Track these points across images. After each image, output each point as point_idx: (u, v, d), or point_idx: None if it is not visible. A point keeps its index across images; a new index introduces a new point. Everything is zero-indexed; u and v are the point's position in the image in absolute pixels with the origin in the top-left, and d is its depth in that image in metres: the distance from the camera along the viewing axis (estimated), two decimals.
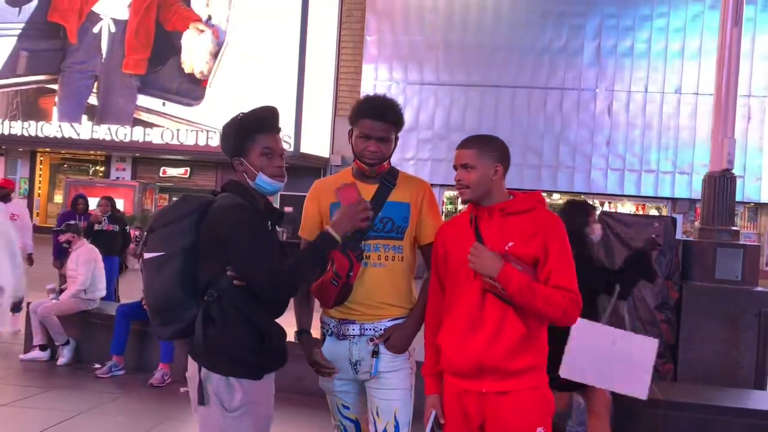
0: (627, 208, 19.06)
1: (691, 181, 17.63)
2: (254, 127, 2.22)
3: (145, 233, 2.22)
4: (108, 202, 8.33)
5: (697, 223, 6.67)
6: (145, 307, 5.42)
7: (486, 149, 2.25)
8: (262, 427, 2.22)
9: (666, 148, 18.04)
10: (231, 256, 2.10)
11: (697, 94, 17.51)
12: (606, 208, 18.82)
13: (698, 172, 16.87)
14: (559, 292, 2.13)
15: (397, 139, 2.51)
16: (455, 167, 2.29)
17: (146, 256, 2.15)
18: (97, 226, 7.92)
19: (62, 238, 6.37)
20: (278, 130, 2.29)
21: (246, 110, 2.26)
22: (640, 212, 18.71)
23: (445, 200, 19.69)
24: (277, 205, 2.44)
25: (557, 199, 19.78)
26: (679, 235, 13.93)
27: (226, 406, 2.11)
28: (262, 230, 2.15)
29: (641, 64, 18.07)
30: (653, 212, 18.75)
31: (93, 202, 9.21)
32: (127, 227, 8.44)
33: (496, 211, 2.24)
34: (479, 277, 2.18)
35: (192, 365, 2.20)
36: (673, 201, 18.54)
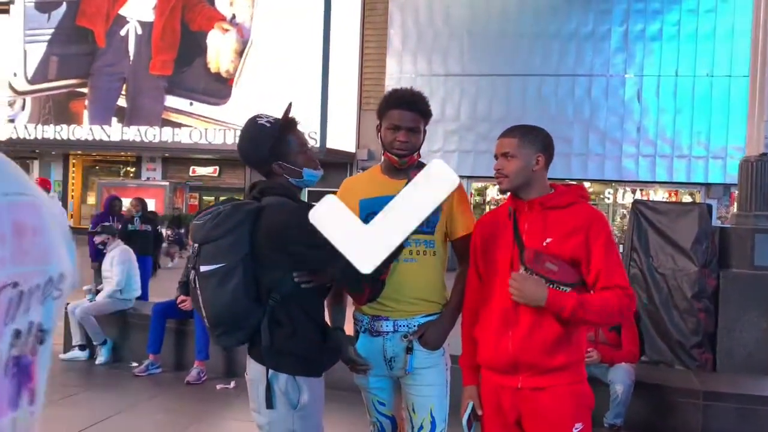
0: (659, 195, 18.73)
1: (725, 166, 17.25)
2: (286, 129, 2.23)
3: (197, 245, 2.17)
4: (138, 202, 8.48)
5: (732, 209, 6.53)
6: (179, 305, 5.53)
7: (527, 138, 2.20)
8: (322, 424, 2.26)
9: (698, 133, 17.67)
10: (309, 263, 2.11)
11: (730, 76, 17.10)
12: (638, 195, 18.54)
13: (732, 157, 16.50)
14: (611, 293, 2.07)
15: (425, 131, 2.49)
16: (496, 156, 2.23)
17: (205, 269, 2.11)
18: (130, 227, 8.05)
19: (98, 239, 6.48)
20: (297, 122, 2.31)
21: (261, 113, 2.26)
22: (673, 199, 18.38)
23: (473, 192, 19.58)
24: (305, 199, 2.43)
25: (588, 187, 19.51)
26: (713, 222, 13.66)
27: (294, 406, 2.14)
28: (317, 229, 2.14)
29: (671, 48, 17.71)
30: (686, 198, 18.41)
31: (125, 204, 9.40)
32: (159, 227, 8.57)
33: (535, 205, 2.18)
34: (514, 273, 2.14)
35: (254, 368, 2.20)
36: (707, 186, 18.17)
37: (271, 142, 2.20)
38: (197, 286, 2.15)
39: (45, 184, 7.17)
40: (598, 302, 2.06)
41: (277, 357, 2.13)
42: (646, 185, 18.83)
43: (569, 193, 2.22)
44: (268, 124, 2.22)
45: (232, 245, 2.09)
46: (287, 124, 2.24)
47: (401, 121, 2.39)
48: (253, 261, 2.11)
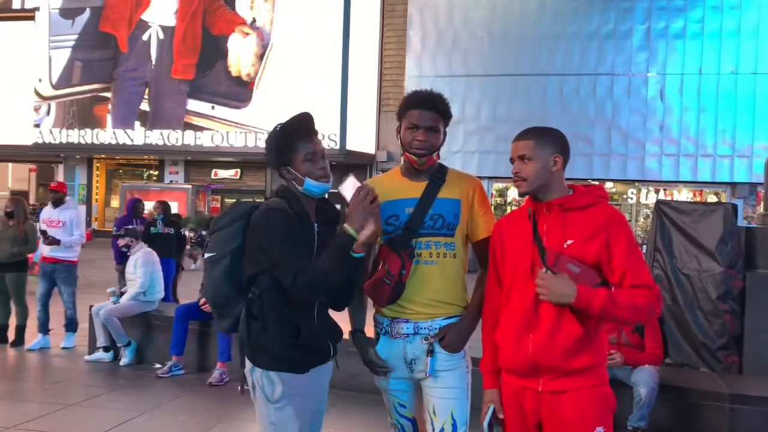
0: (683, 194, 18.50)
1: (752, 165, 16.98)
2: (293, 137, 2.29)
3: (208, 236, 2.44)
4: (161, 205, 8.55)
5: (759, 209, 6.41)
6: (201, 307, 5.58)
7: (544, 140, 2.18)
8: (307, 419, 2.29)
9: (723, 131, 17.41)
10: (267, 256, 2.22)
11: (756, 73, 16.84)
12: (661, 195, 18.33)
13: (759, 155, 16.25)
14: (639, 291, 2.05)
15: (445, 133, 2.48)
16: (512, 160, 2.23)
17: (205, 256, 2.37)
18: (152, 230, 8.14)
19: (121, 242, 6.56)
20: (315, 133, 2.35)
21: (282, 121, 2.33)
22: (698, 199, 18.14)
23: (494, 192, 19.50)
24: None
25: (610, 187, 19.34)
26: (740, 222, 13.43)
27: (269, 398, 2.24)
28: (292, 233, 2.21)
29: (694, 45, 17.48)
30: (711, 198, 18.15)
31: (149, 207, 9.52)
32: (182, 230, 8.63)
33: (554, 207, 2.16)
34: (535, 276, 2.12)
35: None
36: (732, 186, 17.90)
37: (275, 148, 2.30)
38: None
39: (62, 188, 7.03)
40: (627, 299, 2.04)
41: (251, 350, 2.27)
42: (669, 185, 18.60)
43: (588, 194, 2.19)
44: (278, 129, 2.31)
45: (225, 238, 2.29)
46: (293, 130, 2.29)
47: (420, 120, 2.39)
48: (243, 256, 2.27)
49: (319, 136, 2.39)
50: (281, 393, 2.22)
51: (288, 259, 2.17)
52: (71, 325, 6.67)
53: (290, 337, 2.23)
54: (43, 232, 6.61)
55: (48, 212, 6.83)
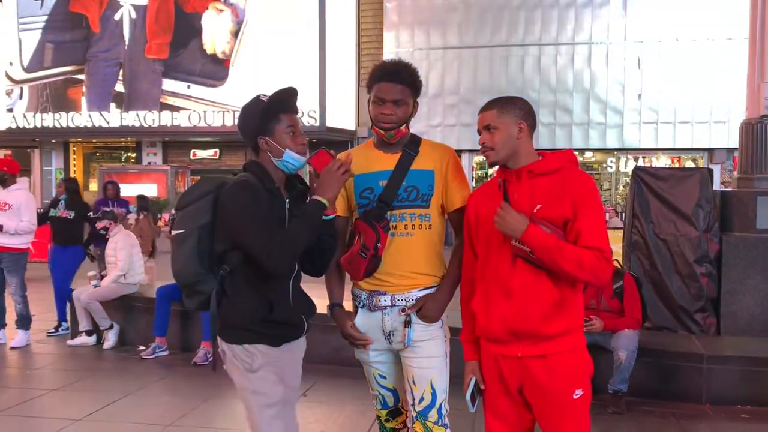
0: (662, 161, 18.65)
1: (729, 130, 17.13)
2: (279, 107, 2.27)
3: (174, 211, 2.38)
4: (65, 183, 7.29)
5: (735, 173, 6.48)
6: None
7: (506, 108, 2.20)
8: (287, 390, 2.28)
9: (700, 97, 17.52)
10: (234, 233, 2.18)
11: (732, 39, 16.90)
12: (641, 163, 18.46)
13: (737, 120, 16.39)
14: (589, 251, 2.07)
15: (416, 104, 2.45)
16: (479, 132, 2.24)
17: (173, 233, 2.33)
18: (52, 212, 6.86)
19: (99, 225, 6.49)
20: (297, 110, 2.34)
21: (266, 93, 2.30)
22: (676, 165, 18.30)
23: (474, 165, 19.50)
24: (307, 179, 2.43)
25: (590, 156, 19.44)
26: (717, 186, 13.58)
27: (249, 368, 2.24)
28: (261, 207, 2.17)
29: (671, 12, 17.48)
30: (689, 164, 18.32)
31: (128, 189, 9.39)
32: (90, 214, 7.05)
33: (524, 173, 2.18)
34: (509, 242, 2.14)
35: None
36: (710, 151, 18.07)
37: (260, 114, 2.25)
38: None
39: (2, 165, 6.18)
40: (574, 253, 2.06)
41: (224, 327, 2.27)
42: (648, 152, 18.72)
43: (558, 159, 2.22)
44: (263, 99, 2.27)
45: (192, 214, 2.24)
46: (279, 101, 2.26)
47: (386, 93, 2.36)
48: (212, 232, 2.23)
49: (299, 114, 2.38)
50: (261, 361, 2.22)
51: (261, 234, 2.14)
52: (22, 322, 6.13)
53: (263, 312, 2.22)
54: None
55: None
